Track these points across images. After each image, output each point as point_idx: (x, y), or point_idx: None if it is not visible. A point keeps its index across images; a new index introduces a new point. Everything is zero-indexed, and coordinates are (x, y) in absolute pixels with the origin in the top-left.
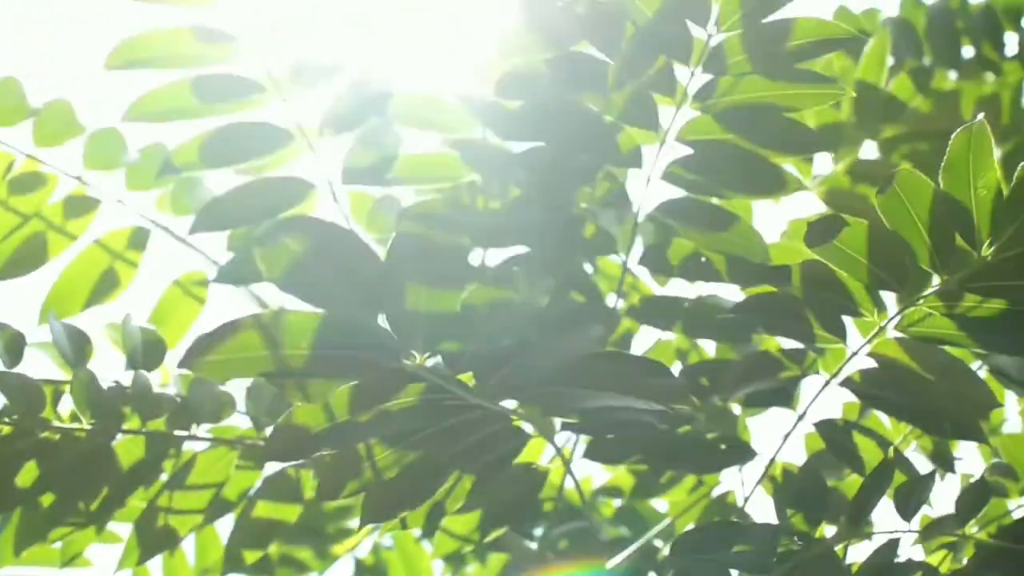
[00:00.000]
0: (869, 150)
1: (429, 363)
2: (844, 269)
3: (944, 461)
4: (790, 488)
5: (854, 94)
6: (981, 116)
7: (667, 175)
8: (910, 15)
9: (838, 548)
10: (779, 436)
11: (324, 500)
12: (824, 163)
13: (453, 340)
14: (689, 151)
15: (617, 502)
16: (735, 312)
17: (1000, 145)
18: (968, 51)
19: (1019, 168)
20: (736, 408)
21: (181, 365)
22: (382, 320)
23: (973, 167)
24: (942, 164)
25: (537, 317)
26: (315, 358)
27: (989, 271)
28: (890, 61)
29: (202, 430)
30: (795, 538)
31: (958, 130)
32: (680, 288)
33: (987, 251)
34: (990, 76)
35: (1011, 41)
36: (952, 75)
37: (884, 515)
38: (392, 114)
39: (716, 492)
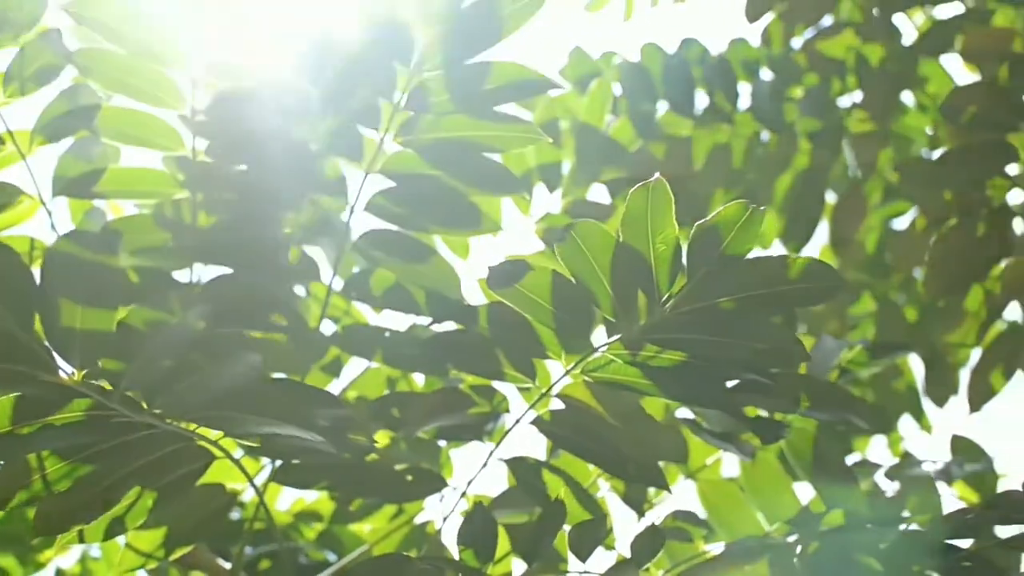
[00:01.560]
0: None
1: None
2: (528, 312)
3: (634, 504)
4: (462, 524)
5: (550, 139)
6: (658, 175)
7: (371, 206)
8: (648, 61)
9: None
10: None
11: None
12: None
13: (111, 358)
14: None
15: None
16: (425, 347)
17: (728, 193)
18: (703, 100)
19: (694, 228)
20: (441, 440)
21: None
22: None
23: (651, 223)
24: (621, 217)
25: (207, 340)
26: None
27: (668, 324)
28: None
29: None
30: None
31: (636, 187)
32: (393, 318)
33: (666, 305)
34: (726, 126)
35: (746, 93)
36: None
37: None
38: (100, 127)
39: (418, 520)
